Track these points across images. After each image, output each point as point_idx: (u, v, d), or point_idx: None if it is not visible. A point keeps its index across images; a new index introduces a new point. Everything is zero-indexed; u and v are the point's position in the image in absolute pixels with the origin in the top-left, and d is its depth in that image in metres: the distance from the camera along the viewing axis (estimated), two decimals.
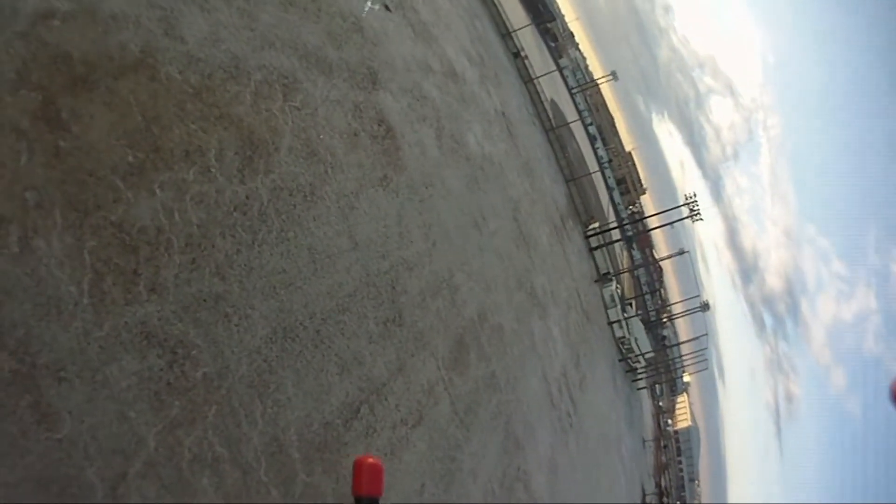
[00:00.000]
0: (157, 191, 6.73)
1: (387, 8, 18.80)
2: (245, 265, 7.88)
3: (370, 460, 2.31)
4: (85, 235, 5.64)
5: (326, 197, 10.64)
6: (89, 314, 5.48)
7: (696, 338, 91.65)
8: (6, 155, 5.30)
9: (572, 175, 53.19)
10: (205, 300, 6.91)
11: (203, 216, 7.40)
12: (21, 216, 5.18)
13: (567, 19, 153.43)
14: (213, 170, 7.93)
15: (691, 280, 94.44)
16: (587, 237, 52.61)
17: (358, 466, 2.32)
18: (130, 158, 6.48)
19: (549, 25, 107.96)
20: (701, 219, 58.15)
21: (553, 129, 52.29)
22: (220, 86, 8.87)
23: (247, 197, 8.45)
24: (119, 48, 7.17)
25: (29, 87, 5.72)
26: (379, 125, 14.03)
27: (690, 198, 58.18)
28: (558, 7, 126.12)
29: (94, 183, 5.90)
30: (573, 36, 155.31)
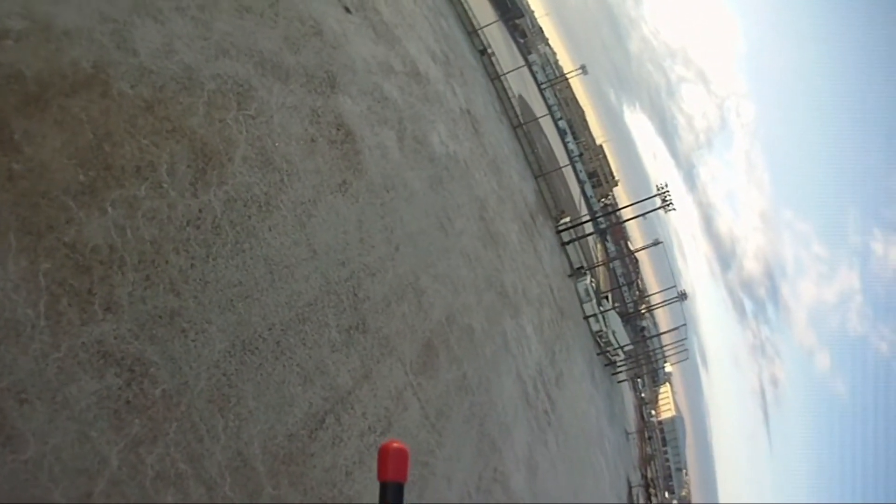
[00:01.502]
0: (109, 209, 6.86)
1: (347, 10, 18.89)
2: (200, 279, 8.02)
3: (395, 445, 2.40)
4: (39, 258, 5.80)
5: (283, 206, 10.76)
6: (46, 336, 5.64)
7: (676, 328, 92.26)
8: None
9: (541, 170, 53.50)
10: (160, 317, 7.05)
11: (155, 232, 7.55)
12: None
13: (536, 15, 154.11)
14: (164, 185, 8.06)
15: (669, 269, 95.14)
16: (558, 232, 52.88)
17: (384, 452, 2.43)
18: (81, 177, 6.63)
19: (517, 21, 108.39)
20: (674, 208, 58.76)
21: (521, 126, 52.56)
22: (172, 98, 9.00)
23: (200, 210, 8.57)
24: (71, 65, 7.32)
25: None
26: (337, 130, 14.14)
27: (662, 188, 58.88)
28: (527, 3, 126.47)
29: (46, 204, 6.06)
30: (542, 31, 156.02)
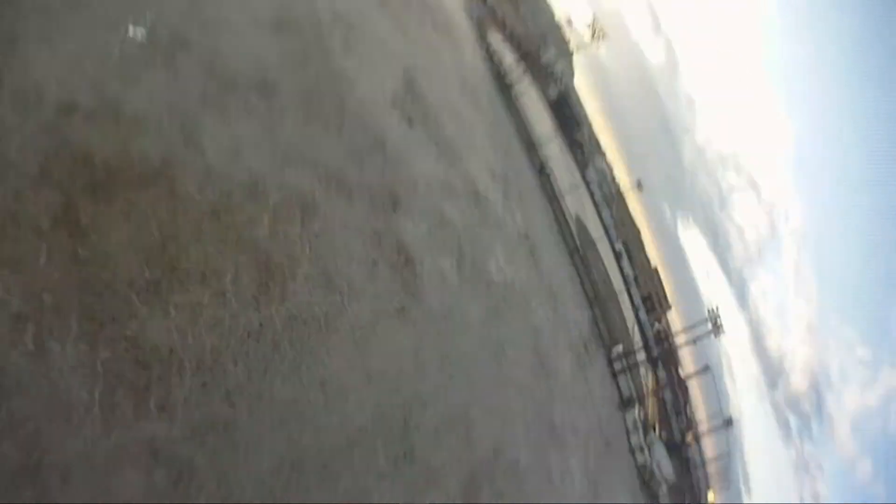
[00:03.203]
0: (172, 311, 6.78)
1: (410, 124, 19.06)
2: (255, 393, 7.78)
3: None
4: (99, 345, 5.70)
5: (341, 328, 10.59)
6: (98, 423, 5.52)
7: (720, 457, 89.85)
8: (26, 252, 5.46)
9: (597, 297, 52.75)
10: (213, 425, 6.81)
11: (216, 341, 7.42)
12: (37, 316, 5.33)
13: (594, 126, 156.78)
14: (228, 294, 7.98)
15: (717, 394, 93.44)
16: (610, 362, 52.12)
17: None
18: (147, 275, 6.59)
19: (575, 135, 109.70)
20: (724, 332, 60.65)
21: (578, 250, 52.34)
22: (238, 206, 9.01)
23: (261, 324, 8.48)
24: (140, 155, 7.40)
25: (50, 186, 5.94)
26: (398, 253, 14.05)
27: (714, 312, 61.07)
28: (585, 114, 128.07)
29: (110, 295, 6.00)
30: (599, 144, 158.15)
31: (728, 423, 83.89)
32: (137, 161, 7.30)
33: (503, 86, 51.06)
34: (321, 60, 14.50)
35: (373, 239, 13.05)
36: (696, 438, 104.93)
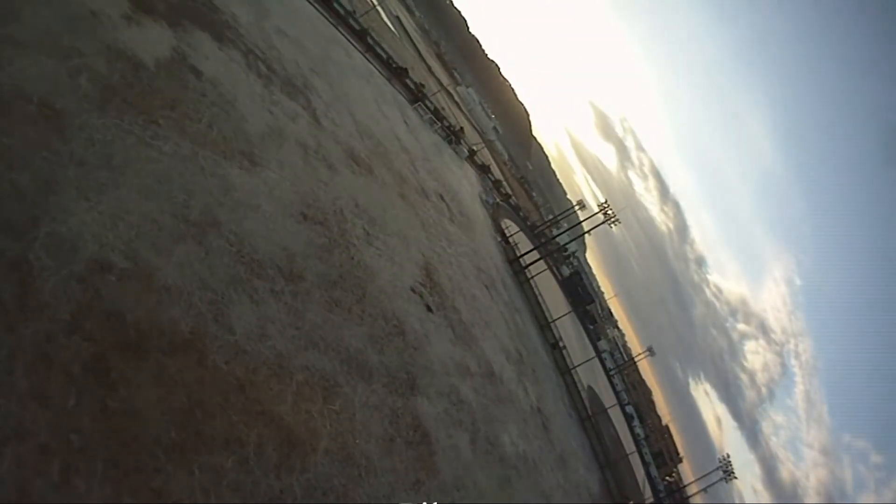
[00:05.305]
0: (196, 471, 6.94)
1: (429, 309, 19.51)
2: None
3: None
4: (124, 491, 5.89)
5: (358, 499, 10.59)
6: None
7: None
8: (56, 392, 5.74)
9: (607, 460, 51.43)
10: None
11: (238, 502, 7.45)
12: (64, 453, 5.53)
13: (606, 296, 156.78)
14: (250, 462, 8.15)
15: None
16: None
17: None
18: (173, 435, 6.79)
19: (588, 310, 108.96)
20: (735, 477, 60.70)
21: (589, 418, 51.56)
22: (263, 382, 9.30)
23: (281, 492, 8.54)
24: (170, 324, 7.80)
25: (82, 335, 6.27)
26: (415, 431, 14.18)
27: (725, 459, 61.49)
28: (597, 286, 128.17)
29: (137, 448, 6.21)
30: (612, 313, 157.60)
31: None
32: (168, 328, 7.65)
33: (518, 269, 52.29)
34: (344, 250, 15.18)
35: (391, 417, 13.28)
36: None
